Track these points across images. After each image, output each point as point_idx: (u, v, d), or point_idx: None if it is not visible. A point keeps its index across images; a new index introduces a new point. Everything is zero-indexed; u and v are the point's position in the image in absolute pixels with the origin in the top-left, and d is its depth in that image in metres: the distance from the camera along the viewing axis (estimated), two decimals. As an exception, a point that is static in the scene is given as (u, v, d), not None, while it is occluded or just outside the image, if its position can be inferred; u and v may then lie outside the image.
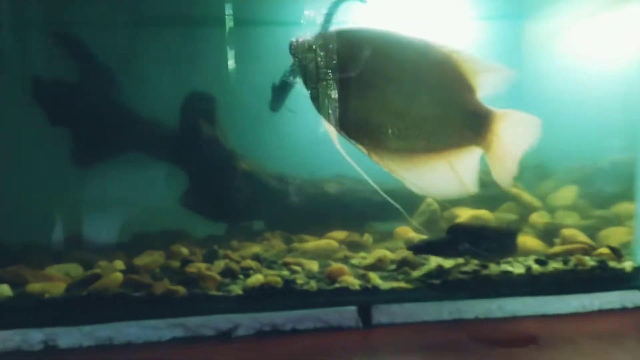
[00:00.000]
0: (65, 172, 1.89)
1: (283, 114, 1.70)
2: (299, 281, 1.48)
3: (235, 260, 1.64)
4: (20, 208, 1.82)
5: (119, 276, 1.48)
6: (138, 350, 1.31)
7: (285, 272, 1.56)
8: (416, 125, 1.34)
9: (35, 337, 1.32)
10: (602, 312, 1.48)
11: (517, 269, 1.53)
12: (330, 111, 1.33)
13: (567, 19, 1.95)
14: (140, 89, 1.92)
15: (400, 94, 1.33)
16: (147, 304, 1.41)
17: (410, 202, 1.79)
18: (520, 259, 1.60)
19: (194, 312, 1.38)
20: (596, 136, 1.94)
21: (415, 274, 1.54)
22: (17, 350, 1.31)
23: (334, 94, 1.33)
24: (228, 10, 1.86)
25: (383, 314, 1.42)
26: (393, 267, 1.60)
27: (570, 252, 1.63)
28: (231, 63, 1.85)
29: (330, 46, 1.32)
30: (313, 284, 1.47)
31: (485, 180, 1.40)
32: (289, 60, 1.39)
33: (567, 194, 2.01)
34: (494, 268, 1.53)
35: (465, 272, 1.50)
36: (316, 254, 1.74)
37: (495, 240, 1.51)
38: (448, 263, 1.56)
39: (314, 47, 1.32)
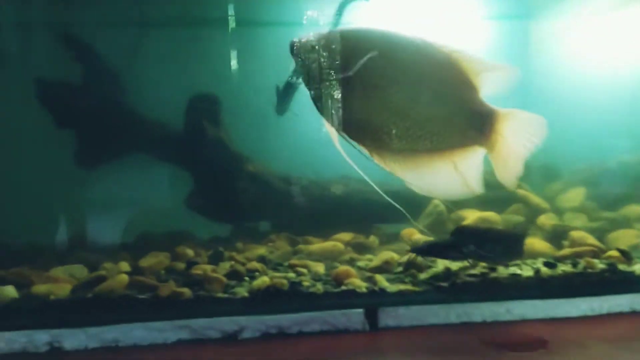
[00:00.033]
0: (71, 173, 1.89)
1: (288, 114, 1.69)
2: (305, 283, 1.47)
3: (241, 262, 1.63)
4: (26, 210, 1.82)
5: (124, 278, 1.48)
6: (144, 352, 1.31)
7: (291, 274, 1.55)
8: (419, 126, 1.32)
9: (40, 338, 1.32)
10: (611, 316, 1.47)
11: (526, 271, 1.52)
12: (332, 112, 1.32)
13: (575, 18, 1.94)
14: (145, 91, 1.92)
15: (403, 94, 1.32)
16: (152, 306, 1.41)
17: (417, 203, 1.78)
18: (529, 261, 1.58)
19: (200, 314, 1.37)
20: (604, 137, 1.92)
21: (423, 276, 1.53)
22: (23, 352, 1.31)
23: (336, 95, 1.31)
24: (233, 11, 1.86)
25: (390, 316, 1.41)
26: (400, 269, 1.59)
27: (579, 255, 1.61)
28: (236, 64, 1.84)
29: (332, 46, 1.31)
30: (319, 286, 1.46)
31: (492, 182, 1.39)
32: (293, 61, 1.38)
33: (575, 196, 1.99)
34: (502, 271, 1.51)
35: (473, 275, 1.49)
36: (322, 256, 1.73)
37: (502, 243, 1.49)
38: (455, 265, 1.54)
39: (315, 47, 1.31)
